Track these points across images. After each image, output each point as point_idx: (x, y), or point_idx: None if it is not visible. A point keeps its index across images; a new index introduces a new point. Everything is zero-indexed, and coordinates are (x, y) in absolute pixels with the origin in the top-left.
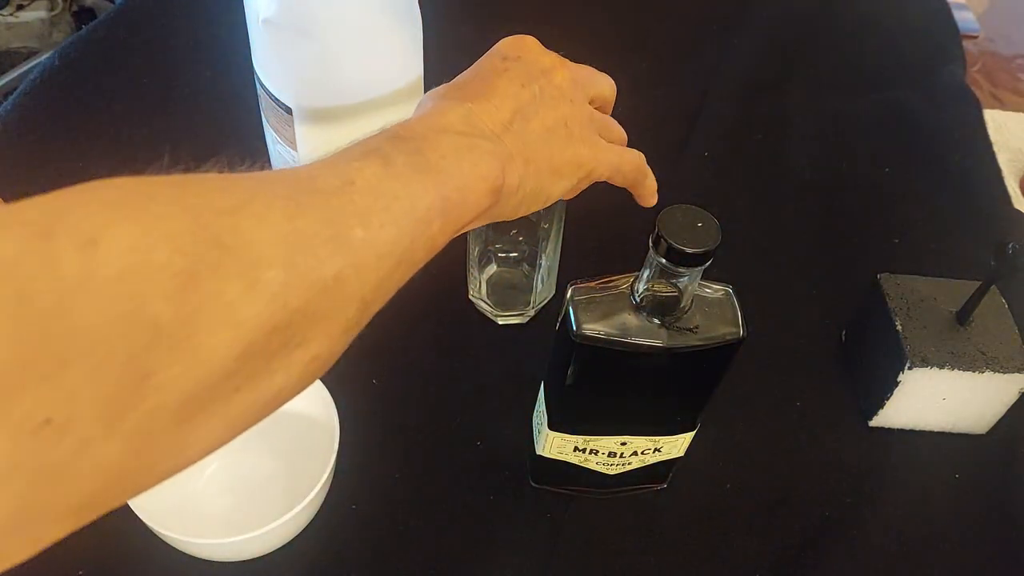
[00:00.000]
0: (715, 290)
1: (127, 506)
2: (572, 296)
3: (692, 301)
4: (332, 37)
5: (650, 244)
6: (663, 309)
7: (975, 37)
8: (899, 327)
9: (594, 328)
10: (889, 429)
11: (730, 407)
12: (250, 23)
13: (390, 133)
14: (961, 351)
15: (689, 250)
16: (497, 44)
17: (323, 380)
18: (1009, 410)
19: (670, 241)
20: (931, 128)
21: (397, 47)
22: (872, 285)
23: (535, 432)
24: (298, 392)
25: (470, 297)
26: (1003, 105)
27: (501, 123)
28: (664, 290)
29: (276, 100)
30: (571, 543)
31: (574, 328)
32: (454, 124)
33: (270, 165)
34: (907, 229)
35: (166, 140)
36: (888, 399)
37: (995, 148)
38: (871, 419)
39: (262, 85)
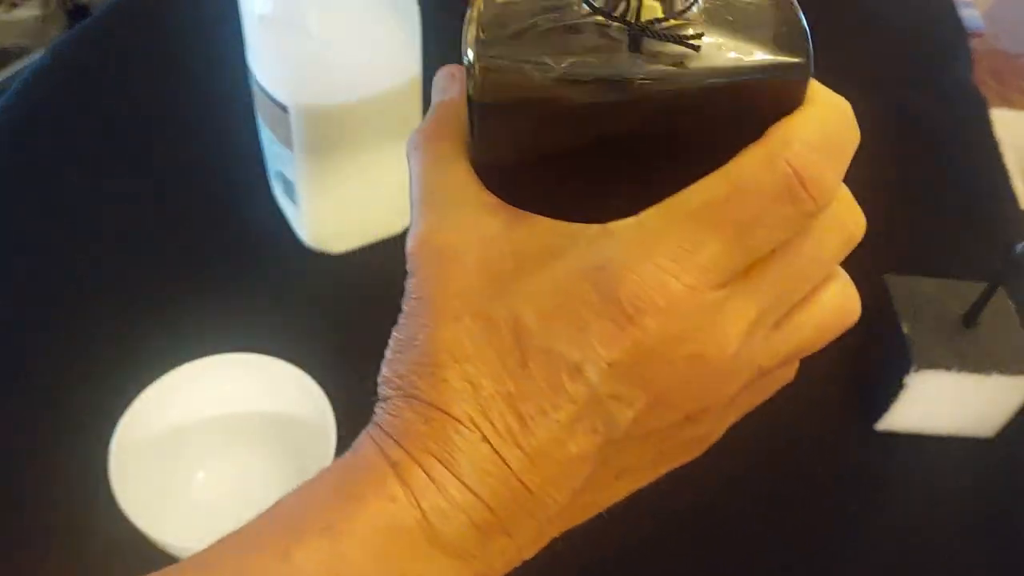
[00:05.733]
0: None
1: (122, 512)
2: None
3: None
4: (329, 34)
5: None
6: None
7: (980, 35)
8: (905, 329)
9: (503, 54)
10: (895, 432)
11: None
12: (245, 19)
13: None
14: (968, 353)
15: None
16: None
17: (317, 380)
18: (1017, 413)
19: None
20: (937, 127)
21: (395, 44)
22: (877, 286)
23: None
24: None
25: None
26: (1010, 104)
27: (520, 551)
28: None
29: (272, 98)
30: (571, 542)
31: (470, 58)
32: (455, 542)
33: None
34: (912, 229)
35: (159, 139)
36: (894, 402)
37: (1001, 147)
38: (877, 422)
39: (257, 83)
